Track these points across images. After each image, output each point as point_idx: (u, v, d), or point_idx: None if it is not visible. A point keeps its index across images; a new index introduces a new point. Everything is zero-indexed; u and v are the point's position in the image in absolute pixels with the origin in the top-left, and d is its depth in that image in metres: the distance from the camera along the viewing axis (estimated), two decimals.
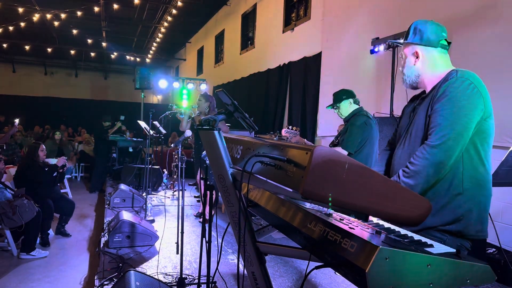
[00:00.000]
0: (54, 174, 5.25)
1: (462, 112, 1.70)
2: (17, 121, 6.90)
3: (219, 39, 14.11)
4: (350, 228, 1.25)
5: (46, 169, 5.24)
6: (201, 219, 5.56)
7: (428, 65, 1.93)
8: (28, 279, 3.96)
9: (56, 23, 12.56)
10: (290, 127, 4.25)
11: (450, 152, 1.70)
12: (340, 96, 3.70)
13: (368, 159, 3.53)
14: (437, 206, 1.77)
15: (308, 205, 1.55)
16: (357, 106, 3.70)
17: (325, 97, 7.11)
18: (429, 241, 1.31)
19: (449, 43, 1.94)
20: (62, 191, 6.14)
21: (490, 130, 1.80)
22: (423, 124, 1.85)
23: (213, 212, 2.45)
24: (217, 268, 2.07)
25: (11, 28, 12.69)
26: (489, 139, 1.81)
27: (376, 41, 5.35)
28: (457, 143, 1.70)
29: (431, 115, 1.80)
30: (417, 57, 1.94)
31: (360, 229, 1.26)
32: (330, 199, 1.18)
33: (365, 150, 3.53)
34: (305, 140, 4.15)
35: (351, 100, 3.68)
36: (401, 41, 2.04)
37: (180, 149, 4.29)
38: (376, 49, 5.34)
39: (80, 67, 20.75)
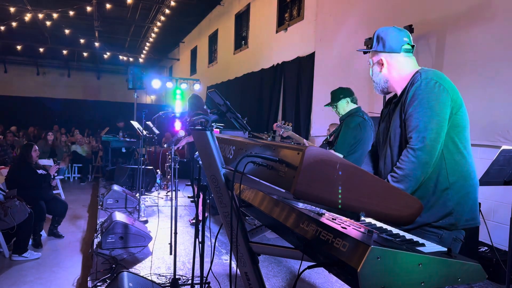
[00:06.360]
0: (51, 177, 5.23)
1: (434, 112, 1.79)
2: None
3: (213, 39, 14.08)
4: (342, 227, 1.25)
5: (39, 171, 5.20)
6: (193, 220, 5.56)
7: (394, 70, 2.01)
8: (20, 281, 3.92)
9: (48, 23, 12.47)
10: (282, 121, 4.23)
11: (432, 152, 1.78)
12: (338, 95, 3.63)
13: (361, 161, 3.50)
14: (428, 203, 1.84)
15: (301, 205, 1.55)
16: (355, 106, 3.63)
17: (318, 97, 7.12)
18: (420, 240, 1.32)
19: (412, 46, 2.01)
20: (54, 192, 6.09)
21: (463, 123, 1.87)
22: (400, 129, 1.93)
23: (206, 214, 2.44)
24: (210, 268, 2.06)
25: (2, 28, 12.57)
26: (465, 131, 1.88)
27: (369, 41, 5.36)
28: (437, 142, 1.78)
29: (406, 120, 1.87)
30: (382, 64, 2.02)
31: (352, 228, 1.26)
32: (321, 199, 1.18)
33: (358, 152, 3.47)
34: (297, 135, 4.12)
35: (348, 99, 3.61)
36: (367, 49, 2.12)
37: (173, 149, 4.28)
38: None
39: (72, 67, 20.58)
